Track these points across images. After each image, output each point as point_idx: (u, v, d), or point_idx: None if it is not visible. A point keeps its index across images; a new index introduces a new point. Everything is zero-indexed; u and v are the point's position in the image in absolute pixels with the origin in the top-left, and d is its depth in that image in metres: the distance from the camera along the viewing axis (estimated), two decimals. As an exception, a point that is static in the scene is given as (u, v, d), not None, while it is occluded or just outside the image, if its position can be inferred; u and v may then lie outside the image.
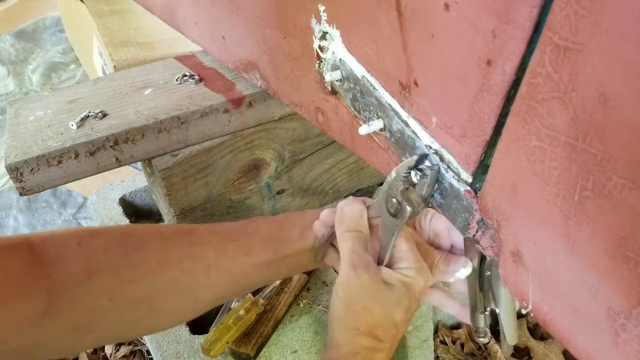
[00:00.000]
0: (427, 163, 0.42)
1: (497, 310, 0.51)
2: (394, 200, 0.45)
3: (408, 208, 0.44)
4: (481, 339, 0.52)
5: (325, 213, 0.54)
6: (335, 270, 0.56)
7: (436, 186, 0.42)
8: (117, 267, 0.47)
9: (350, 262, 0.47)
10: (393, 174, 0.45)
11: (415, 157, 0.43)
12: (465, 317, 0.53)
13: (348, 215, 0.50)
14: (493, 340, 1.12)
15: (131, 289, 0.47)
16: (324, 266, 0.58)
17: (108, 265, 0.46)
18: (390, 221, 0.47)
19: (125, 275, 0.47)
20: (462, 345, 1.14)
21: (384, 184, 0.46)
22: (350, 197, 0.52)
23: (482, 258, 0.50)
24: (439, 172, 0.42)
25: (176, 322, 0.57)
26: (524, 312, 0.38)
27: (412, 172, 0.42)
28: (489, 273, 0.50)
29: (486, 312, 0.52)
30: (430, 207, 0.45)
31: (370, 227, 0.50)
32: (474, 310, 0.52)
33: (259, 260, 0.53)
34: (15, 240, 0.45)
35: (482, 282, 0.51)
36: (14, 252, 0.43)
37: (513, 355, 1.11)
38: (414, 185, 0.43)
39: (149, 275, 0.48)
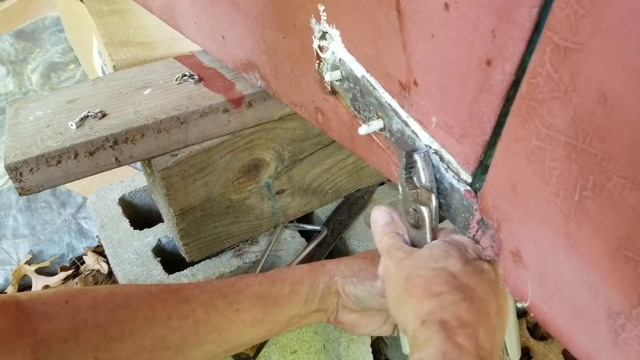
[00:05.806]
0: (417, 154, 0.42)
1: None
2: (411, 209, 0.45)
3: (423, 208, 0.43)
4: None
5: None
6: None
7: (436, 186, 0.42)
8: (103, 325, 0.46)
9: (386, 252, 0.46)
10: (399, 187, 0.45)
11: (403, 158, 0.43)
12: None
13: (380, 223, 0.49)
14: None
15: (117, 347, 0.46)
16: (323, 318, 0.56)
17: (94, 323, 0.46)
18: (418, 235, 0.46)
19: (112, 332, 0.46)
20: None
21: (398, 204, 0.46)
22: (377, 207, 0.50)
23: None
24: (429, 155, 0.41)
25: None
26: (518, 305, 0.38)
27: (411, 170, 0.42)
28: None
29: None
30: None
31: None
32: None
33: (250, 318, 0.52)
34: (3, 298, 0.45)
35: None
36: (1, 309, 0.43)
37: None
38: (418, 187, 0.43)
39: (135, 332, 0.47)
